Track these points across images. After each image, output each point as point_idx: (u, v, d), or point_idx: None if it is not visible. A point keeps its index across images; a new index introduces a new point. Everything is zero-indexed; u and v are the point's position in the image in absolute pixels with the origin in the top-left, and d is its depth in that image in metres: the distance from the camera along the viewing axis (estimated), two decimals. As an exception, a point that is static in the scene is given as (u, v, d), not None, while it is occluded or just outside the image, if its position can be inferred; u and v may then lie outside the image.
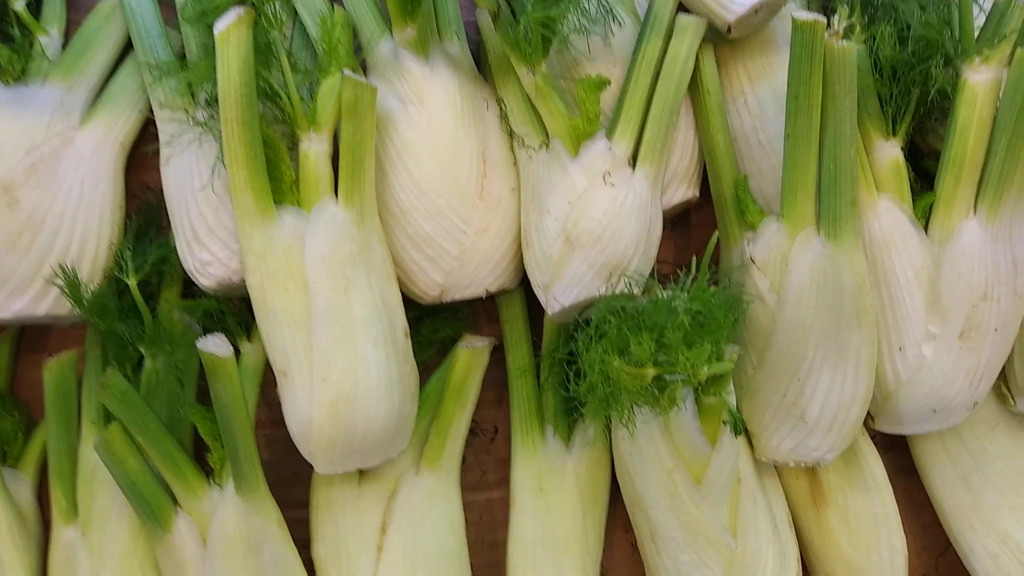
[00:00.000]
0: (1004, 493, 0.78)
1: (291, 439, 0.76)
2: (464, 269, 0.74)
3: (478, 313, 0.85)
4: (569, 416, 0.78)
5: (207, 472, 0.72)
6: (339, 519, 0.73)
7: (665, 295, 0.66)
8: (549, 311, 0.72)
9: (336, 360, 0.66)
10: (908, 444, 0.83)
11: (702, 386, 0.68)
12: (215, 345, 0.67)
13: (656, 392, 0.65)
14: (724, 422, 0.70)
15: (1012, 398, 0.78)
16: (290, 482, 0.79)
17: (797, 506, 0.81)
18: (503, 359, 0.82)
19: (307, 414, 0.66)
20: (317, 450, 0.67)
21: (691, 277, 0.67)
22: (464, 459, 0.83)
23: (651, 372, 0.63)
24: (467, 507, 0.81)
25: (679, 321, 0.63)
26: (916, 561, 0.86)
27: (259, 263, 0.67)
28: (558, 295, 0.70)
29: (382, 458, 0.70)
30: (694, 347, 0.63)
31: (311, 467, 0.75)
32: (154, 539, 0.71)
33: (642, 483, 0.73)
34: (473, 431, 0.83)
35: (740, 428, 0.70)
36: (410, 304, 0.76)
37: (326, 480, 0.74)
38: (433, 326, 0.79)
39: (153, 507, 0.70)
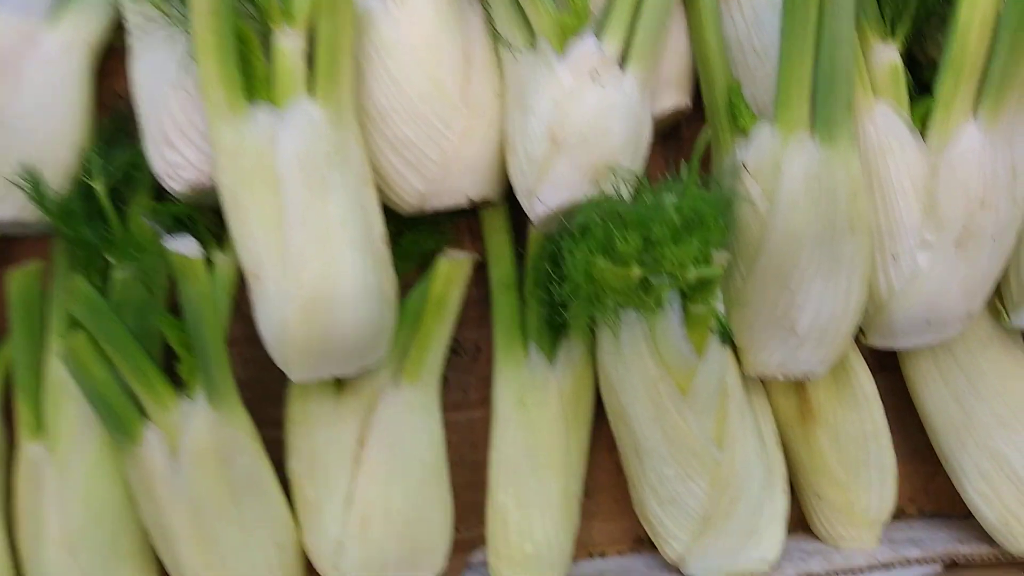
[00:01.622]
0: (997, 411, 0.76)
1: (267, 357, 0.73)
2: (446, 176, 0.71)
3: (461, 231, 0.82)
4: (553, 332, 0.76)
5: (178, 386, 0.70)
6: (315, 433, 0.71)
7: (653, 195, 0.64)
8: (533, 216, 0.69)
9: (310, 260, 0.63)
10: (899, 364, 0.81)
11: (689, 291, 0.66)
12: (184, 246, 0.64)
13: (642, 294, 0.62)
14: (711, 331, 0.67)
15: (1007, 314, 0.76)
16: (266, 401, 0.76)
17: (785, 425, 0.79)
18: (486, 279, 0.79)
19: (280, 316, 0.63)
20: (291, 354, 0.64)
21: (681, 178, 0.65)
22: (446, 379, 0.80)
23: (637, 271, 0.61)
24: (448, 427, 0.79)
25: (667, 217, 0.61)
26: (905, 485, 0.84)
27: (230, 161, 0.64)
28: (543, 197, 0.67)
29: (359, 366, 0.68)
30: (682, 244, 0.61)
31: (287, 385, 0.74)
32: (123, 452, 0.69)
33: (627, 396, 0.71)
34: (455, 351, 0.81)
35: (728, 337, 0.68)
36: (390, 216, 0.73)
37: (302, 393, 0.72)
38: (413, 238, 0.76)
39: (121, 418, 0.67)
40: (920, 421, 0.82)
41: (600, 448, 0.82)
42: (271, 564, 0.70)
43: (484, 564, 0.78)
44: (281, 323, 0.63)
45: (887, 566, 0.77)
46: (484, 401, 0.79)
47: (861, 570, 0.77)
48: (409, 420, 0.72)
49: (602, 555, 0.82)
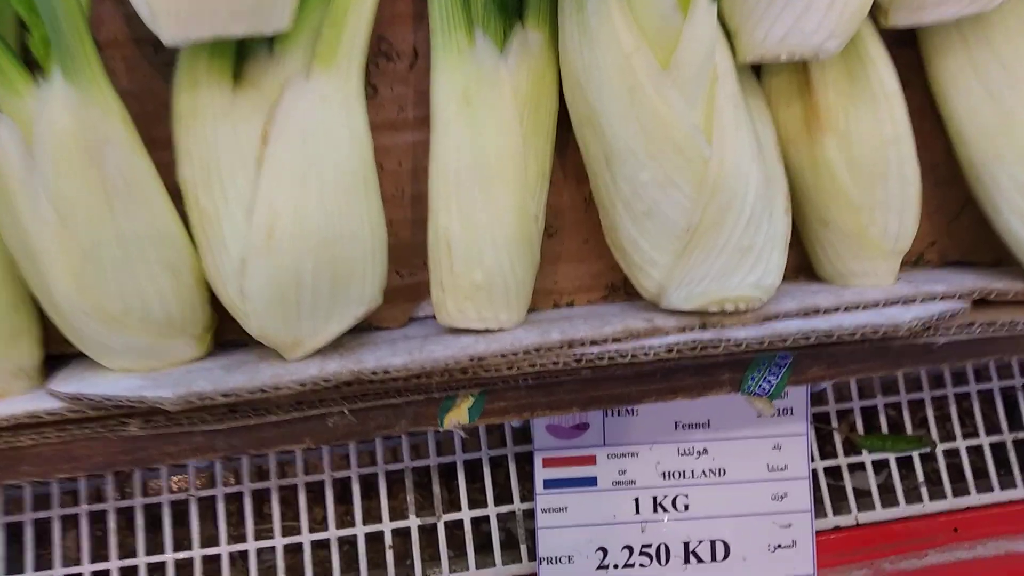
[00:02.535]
0: (1042, 111, 0.63)
1: (155, 62, 0.64)
2: None
3: None
4: (504, 14, 0.62)
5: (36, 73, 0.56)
6: (209, 131, 0.57)
7: None
8: None
9: None
10: (924, 68, 0.68)
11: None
12: None
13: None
14: (698, -24, 0.54)
15: (1059, -10, 0.62)
16: (156, 117, 0.63)
17: (788, 141, 0.66)
18: (422, -33, 0.65)
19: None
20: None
21: None
22: (376, 90, 0.67)
23: None
24: (383, 152, 0.66)
25: None
26: (926, 225, 0.72)
27: None
28: None
29: (249, 24, 0.53)
30: None
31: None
32: (-31, 154, 0.55)
33: (594, 85, 0.58)
34: (387, 55, 0.67)
35: (719, -14, 0.54)
36: None
37: (190, 82, 0.57)
38: None
39: (-39, 108, 0.54)
40: (943, 144, 0.69)
41: (567, 179, 0.69)
42: (162, 290, 0.58)
43: (433, 318, 0.67)
44: (140, -47, 0.49)
45: (907, 301, 0.65)
46: (425, 121, 0.65)
47: (876, 304, 0.65)
48: (323, 114, 0.58)
49: (570, 305, 0.70)
